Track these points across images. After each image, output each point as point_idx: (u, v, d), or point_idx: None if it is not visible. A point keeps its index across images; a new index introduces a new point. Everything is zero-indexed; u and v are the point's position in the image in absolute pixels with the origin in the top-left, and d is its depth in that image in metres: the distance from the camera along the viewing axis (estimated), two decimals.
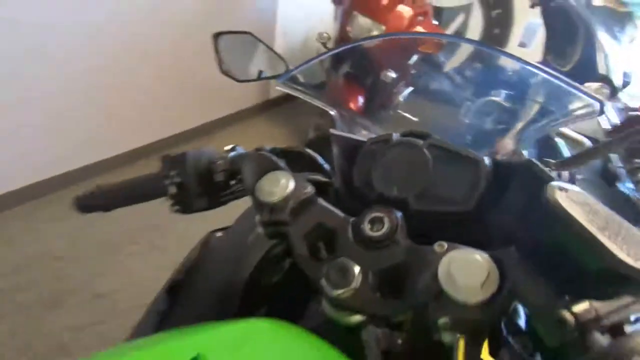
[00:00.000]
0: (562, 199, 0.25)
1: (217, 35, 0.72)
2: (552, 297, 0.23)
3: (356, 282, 0.32)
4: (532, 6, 2.28)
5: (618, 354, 0.21)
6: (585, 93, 0.42)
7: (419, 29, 2.04)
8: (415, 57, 1.67)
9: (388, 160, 0.46)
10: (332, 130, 0.54)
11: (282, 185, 0.38)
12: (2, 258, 1.50)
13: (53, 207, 1.75)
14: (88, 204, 0.49)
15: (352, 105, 1.80)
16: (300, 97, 0.59)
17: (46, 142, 1.76)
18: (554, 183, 0.27)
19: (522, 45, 2.30)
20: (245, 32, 0.72)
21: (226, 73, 0.71)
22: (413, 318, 0.32)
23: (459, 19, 3.10)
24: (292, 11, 2.49)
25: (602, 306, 0.23)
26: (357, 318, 0.35)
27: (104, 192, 0.49)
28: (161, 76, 2.08)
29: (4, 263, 1.48)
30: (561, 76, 0.43)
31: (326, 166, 0.50)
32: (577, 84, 0.42)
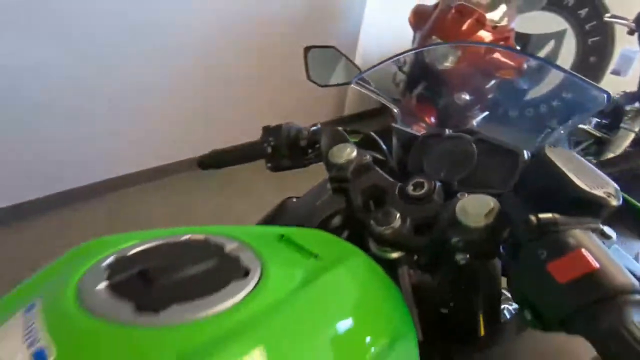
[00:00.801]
0: (550, 153, 0.34)
1: (307, 49, 0.88)
2: (529, 213, 0.32)
3: (396, 223, 0.42)
4: (631, 33, 2.17)
5: (558, 241, 0.30)
6: (594, 86, 0.49)
7: (498, 55, 2.07)
8: (493, 82, 1.71)
9: (439, 151, 0.57)
10: (393, 124, 0.67)
11: (348, 152, 0.51)
12: None
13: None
14: (206, 163, 0.68)
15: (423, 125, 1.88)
16: (372, 95, 0.71)
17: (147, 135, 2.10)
18: (548, 146, 0.35)
19: (615, 72, 2.18)
20: (330, 47, 0.87)
21: (311, 79, 0.87)
22: (435, 249, 0.41)
23: (549, 46, 3.03)
24: (374, 34, 2.67)
25: (562, 217, 0.31)
26: (394, 255, 0.45)
27: (217, 154, 0.67)
28: (249, 93, 2.35)
29: None
30: (570, 71, 0.52)
31: (385, 149, 0.62)
32: (584, 78, 0.49)
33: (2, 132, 1.66)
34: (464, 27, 2.04)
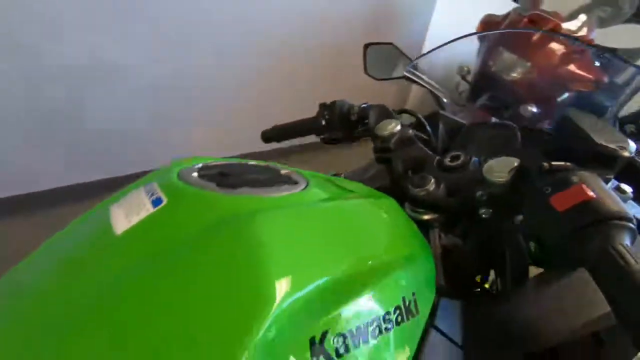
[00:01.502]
0: (572, 113, 0.37)
1: (367, 46, 0.95)
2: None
3: (430, 186, 0.46)
4: None
5: (563, 178, 0.33)
6: (634, 65, 0.49)
7: (573, 67, 1.97)
8: (565, 95, 1.64)
9: (484, 137, 0.60)
10: (441, 111, 0.71)
11: (392, 126, 0.56)
12: None
13: None
14: (268, 136, 0.76)
15: None
16: (422, 84, 0.76)
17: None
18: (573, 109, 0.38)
19: None
20: (388, 43, 0.93)
21: (368, 73, 0.93)
22: (462, 206, 0.45)
23: (637, 63, 2.80)
24: (439, 42, 2.67)
25: (573, 165, 0.34)
26: (427, 216, 0.49)
27: (278, 128, 0.76)
28: (314, 92, 2.46)
29: None
30: (608, 51, 0.52)
31: (430, 131, 0.66)
32: (624, 57, 0.50)
33: (88, 130, 1.81)
34: (535, 37, 1.97)
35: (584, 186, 0.32)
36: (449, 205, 0.46)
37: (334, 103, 0.70)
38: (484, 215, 0.42)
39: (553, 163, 0.34)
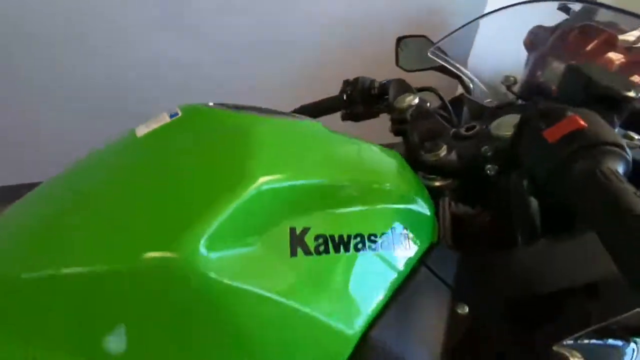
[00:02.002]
0: (584, 66, 0.37)
1: (400, 39, 0.97)
2: None
3: (442, 152, 0.47)
4: None
5: (557, 113, 0.33)
6: None
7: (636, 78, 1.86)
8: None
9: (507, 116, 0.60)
10: (465, 94, 0.72)
11: (410, 99, 0.58)
12: None
13: None
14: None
15: None
16: (447, 66, 0.77)
17: None
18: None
19: None
20: (421, 36, 0.95)
21: (399, 65, 0.95)
22: (469, 163, 0.45)
23: None
24: (485, 50, 2.62)
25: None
26: (438, 183, 0.50)
27: (304, 108, 0.79)
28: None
29: None
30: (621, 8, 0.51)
31: (451, 110, 0.67)
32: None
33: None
34: (589, 47, 1.89)
35: (576, 117, 0.32)
36: (458, 167, 0.46)
37: (356, 79, 0.72)
38: (489, 172, 0.42)
39: (554, 104, 0.34)
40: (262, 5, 1.98)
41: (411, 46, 0.97)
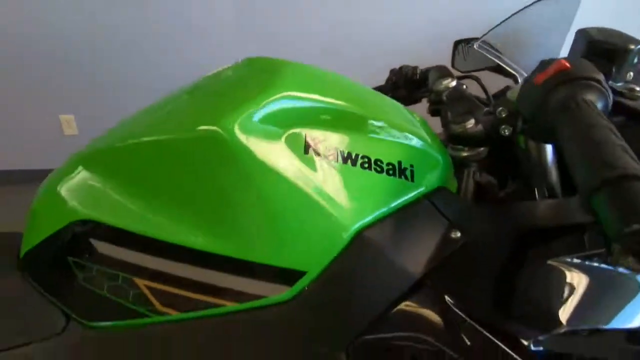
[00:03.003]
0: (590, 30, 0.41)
1: (457, 43, 1.03)
2: None
3: (469, 124, 0.51)
4: None
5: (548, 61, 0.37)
6: None
7: None
8: None
9: None
10: (509, 86, 0.76)
11: (448, 81, 0.63)
12: None
13: None
14: None
15: None
16: (494, 59, 0.81)
17: None
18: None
19: None
20: (476, 38, 0.99)
21: (454, 67, 1.01)
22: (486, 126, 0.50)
23: None
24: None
25: None
26: (464, 153, 0.55)
27: None
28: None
29: None
30: None
31: (492, 99, 0.71)
32: None
33: None
34: None
35: (563, 60, 0.36)
36: (481, 136, 0.50)
37: (401, 67, 0.80)
38: (504, 133, 0.47)
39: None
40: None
41: (468, 48, 1.02)
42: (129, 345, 0.42)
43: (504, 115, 0.47)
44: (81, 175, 0.43)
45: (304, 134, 0.40)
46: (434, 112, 0.64)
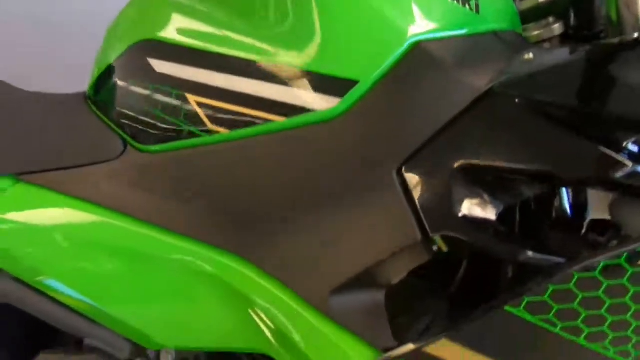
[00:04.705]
0: None
1: None
2: None
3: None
4: None
5: None
6: None
7: None
8: None
9: None
10: None
11: None
12: None
13: None
14: None
15: None
16: None
17: None
18: None
19: None
20: None
21: None
22: None
23: None
24: None
25: None
26: (535, 32, 0.49)
27: None
28: None
29: None
30: None
31: None
32: None
33: None
34: None
35: None
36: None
37: None
38: None
39: None
40: None
41: None
42: (181, 167, 0.42)
43: None
44: (138, 3, 0.44)
45: None
46: None
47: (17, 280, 0.44)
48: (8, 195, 0.43)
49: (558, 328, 0.32)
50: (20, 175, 0.43)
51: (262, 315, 0.39)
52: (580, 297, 0.31)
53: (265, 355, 0.48)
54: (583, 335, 0.33)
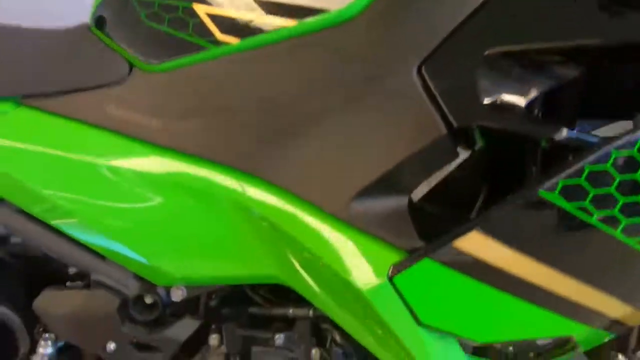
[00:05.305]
0: None
1: None
2: None
3: None
4: None
5: None
6: None
7: None
8: None
9: None
10: None
11: None
12: None
13: None
14: None
15: None
16: None
17: None
18: None
19: None
20: None
21: None
22: None
23: None
24: None
25: None
26: None
27: None
28: None
29: None
30: None
31: None
32: None
33: None
34: None
35: None
36: None
37: None
38: None
39: None
40: None
41: None
42: (189, 83, 0.40)
43: None
44: None
45: None
46: None
47: (19, 210, 0.42)
48: (9, 118, 0.41)
49: (594, 218, 0.31)
50: (22, 99, 0.41)
51: (280, 233, 0.37)
52: (617, 180, 0.30)
53: (278, 293, 0.45)
54: (620, 228, 0.31)
